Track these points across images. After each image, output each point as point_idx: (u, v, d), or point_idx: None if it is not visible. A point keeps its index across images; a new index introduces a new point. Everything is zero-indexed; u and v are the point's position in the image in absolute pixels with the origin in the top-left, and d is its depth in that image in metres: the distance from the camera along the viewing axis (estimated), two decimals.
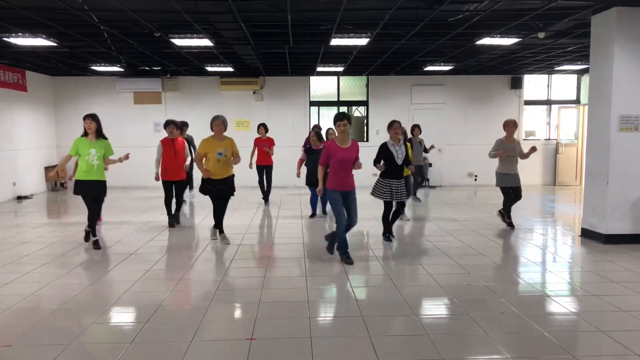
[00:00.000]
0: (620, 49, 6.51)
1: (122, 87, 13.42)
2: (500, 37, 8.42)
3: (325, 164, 5.81)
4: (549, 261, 6.19)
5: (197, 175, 7.71)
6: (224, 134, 6.69)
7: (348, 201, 5.80)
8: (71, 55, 10.01)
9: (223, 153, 6.52)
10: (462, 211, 9.54)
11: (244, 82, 13.42)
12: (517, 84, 13.82)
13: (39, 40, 8.26)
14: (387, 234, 7.05)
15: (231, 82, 13.43)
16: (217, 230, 7.02)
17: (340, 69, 12.20)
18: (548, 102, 14.35)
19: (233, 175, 6.81)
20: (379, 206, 7.29)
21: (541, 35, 8.04)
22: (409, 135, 9.92)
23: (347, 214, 5.82)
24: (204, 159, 6.61)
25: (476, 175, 13.95)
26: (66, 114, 13.37)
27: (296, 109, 13.82)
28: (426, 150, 10.70)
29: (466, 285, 5.03)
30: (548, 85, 14.30)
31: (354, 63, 11.22)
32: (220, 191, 6.70)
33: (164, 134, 8.32)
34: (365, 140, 13.89)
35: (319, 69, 12.19)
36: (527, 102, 14.17)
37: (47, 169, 12.70)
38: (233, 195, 6.89)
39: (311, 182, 8.26)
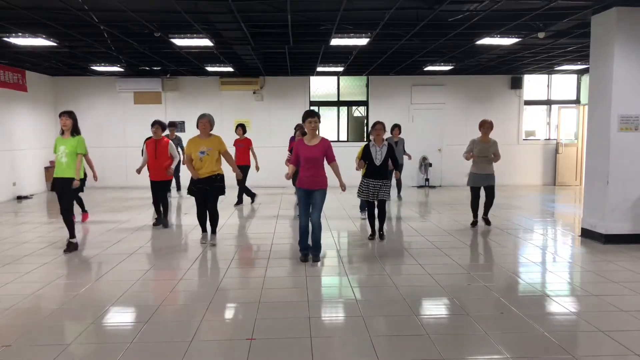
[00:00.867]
0: (620, 49, 6.51)
1: (122, 87, 13.43)
2: (500, 37, 8.43)
3: (295, 163, 5.84)
4: (549, 261, 6.19)
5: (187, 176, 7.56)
6: (212, 132, 6.62)
7: (312, 200, 5.81)
8: (71, 55, 10.01)
9: (206, 152, 6.46)
10: (462, 211, 9.54)
11: (244, 82, 13.42)
12: (517, 84, 13.82)
13: (39, 40, 8.26)
14: (372, 235, 7.07)
15: (231, 82, 13.43)
16: (205, 234, 6.92)
17: (340, 69, 12.20)
18: (548, 102, 14.34)
19: (221, 175, 6.62)
20: None
21: (541, 35, 8.05)
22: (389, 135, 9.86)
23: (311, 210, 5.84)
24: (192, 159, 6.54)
25: None
26: None
27: (296, 109, 13.75)
28: (405, 152, 10.64)
29: (466, 285, 5.04)
30: (548, 85, 14.29)
31: (354, 63, 11.23)
32: (199, 190, 6.58)
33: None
34: (365, 140, 13.89)
35: (319, 69, 12.19)
36: (527, 102, 14.16)
37: (47, 169, 12.72)
38: (223, 194, 6.71)
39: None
